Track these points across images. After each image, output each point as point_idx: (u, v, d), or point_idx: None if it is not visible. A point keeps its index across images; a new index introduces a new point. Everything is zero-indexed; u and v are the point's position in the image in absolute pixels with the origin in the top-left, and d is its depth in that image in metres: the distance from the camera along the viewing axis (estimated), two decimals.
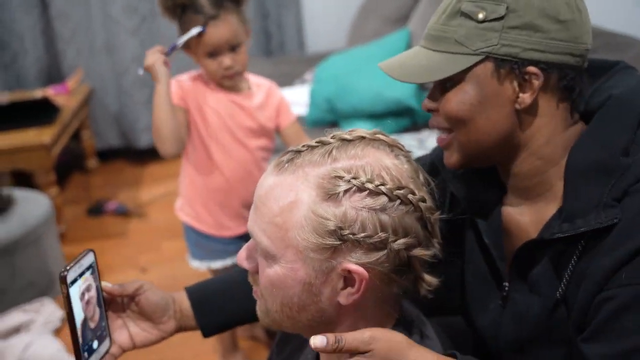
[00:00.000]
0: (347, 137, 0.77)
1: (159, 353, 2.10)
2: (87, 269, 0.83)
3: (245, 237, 1.75)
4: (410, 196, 0.74)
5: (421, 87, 2.50)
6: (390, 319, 0.82)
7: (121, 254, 2.78)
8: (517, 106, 0.82)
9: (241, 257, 0.81)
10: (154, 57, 1.51)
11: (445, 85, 0.84)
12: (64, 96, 3.21)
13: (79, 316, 0.81)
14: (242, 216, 1.71)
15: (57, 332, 2.21)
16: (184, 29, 1.54)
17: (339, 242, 0.72)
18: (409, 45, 2.67)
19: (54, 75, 3.62)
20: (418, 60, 0.86)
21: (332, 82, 2.57)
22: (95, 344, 0.85)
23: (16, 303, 2.25)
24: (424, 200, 0.76)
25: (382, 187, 0.72)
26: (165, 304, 0.95)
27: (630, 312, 0.74)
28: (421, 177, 0.78)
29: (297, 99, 2.81)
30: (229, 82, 1.61)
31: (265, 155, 1.71)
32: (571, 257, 0.82)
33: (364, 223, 0.72)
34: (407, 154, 0.79)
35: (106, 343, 0.88)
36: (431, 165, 1.00)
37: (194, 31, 1.49)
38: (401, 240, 0.73)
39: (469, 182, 0.94)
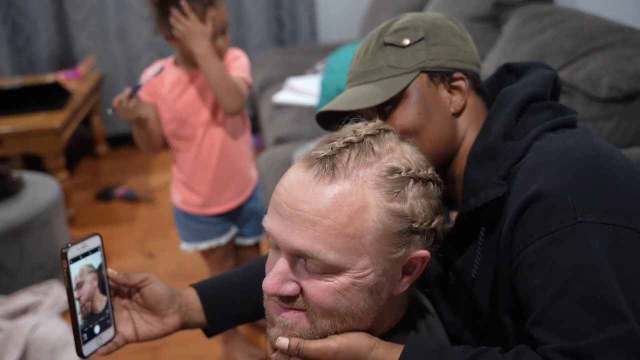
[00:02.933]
0: (369, 132, 0.78)
1: (165, 339, 2.11)
2: (93, 251, 0.83)
3: (230, 216, 1.79)
4: (438, 178, 0.80)
5: None
6: (408, 298, 0.86)
7: (129, 239, 2.79)
8: (453, 109, 0.93)
9: (275, 285, 0.74)
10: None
11: (384, 109, 0.90)
12: (76, 81, 3.22)
13: (77, 294, 0.80)
14: (224, 192, 1.75)
15: (64, 315, 2.23)
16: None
17: (410, 237, 0.75)
18: None
19: (65, 60, 3.63)
20: (359, 93, 0.91)
21: (344, 73, 2.55)
22: (97, 329, 0.85)
23: (25, 285, 2.27)
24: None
25: (429, 174, 0.78)
26: (170, 297, 0.94)
27: (538, 267, 0.79)
28: None
29: (308, 89, 2.80)
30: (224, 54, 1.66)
31: (239, 125, 1.74)
32: (477, 239, 0.90)
33: (425, 211, 0.77)
34: (411, 142, 0.84)
35: (110, 331, 0.88)
36: None
37: (154, 71, 1.53)
38: (441, 218, 0.79)
39: None
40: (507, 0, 2.25)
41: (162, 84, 1.67)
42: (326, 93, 2.59)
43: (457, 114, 0.94)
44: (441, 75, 0.92)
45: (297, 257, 0.74)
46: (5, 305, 2.16)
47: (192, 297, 0.99)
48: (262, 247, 2.01)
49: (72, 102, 2.97)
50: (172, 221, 2.85)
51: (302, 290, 0.75)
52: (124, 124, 3.73)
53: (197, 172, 1.71)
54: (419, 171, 0.76)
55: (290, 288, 0.75)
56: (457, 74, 0.93)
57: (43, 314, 2.13)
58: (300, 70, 3.09)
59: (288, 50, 3.55)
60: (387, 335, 0.81)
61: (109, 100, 3.68)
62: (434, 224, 0.77)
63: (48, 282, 2.30)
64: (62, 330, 2.05)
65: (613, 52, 1.60)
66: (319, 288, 0.73)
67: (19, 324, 2.03)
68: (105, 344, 0.87)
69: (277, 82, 3.01)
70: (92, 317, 0.83)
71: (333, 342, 0.75)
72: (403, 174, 0.74)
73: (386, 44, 0.92)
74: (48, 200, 2.37)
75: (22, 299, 2.18)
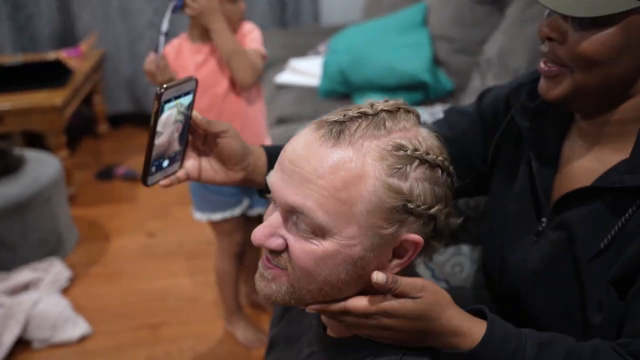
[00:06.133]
0: (388, 108, 0.76)
1: (165, 317, 2.13)
2: (186, 93, 0.85)
3: (244, 189, 1.79)
4: (451, 168, 0.78)
5: (436, 62, 2.47)
6: None
7: (129, 219, 2.80)
8: None
9: (262, 236, 0.75)
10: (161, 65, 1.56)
11: (584, 22, 0.79)
12: (77, 59, 3.21)
13: (160, 133, 0.84)
14: None
15: (64, 291, 2.25)
16: None
17: (404, 216, 0.73)
18: (425, 20, 2.63)
19: (67, 38, 3.60)
20: None
21: (346, 54, 2.55)
22: (165, 163, 0.89)
23: (26, 261, 2.29)
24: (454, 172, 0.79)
25: (437, 160, 0.75)
26: (243, 155, 0.94)
27: None
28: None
29: (310, 70, 2.79)
30: (238, 27, 1.70)
31: (254, 94, 1.76)
32: (624, 211, 0.81)
33: (425, 195, 0.74)
34: (433, 129, 0.81)
35: (176, 165, 0.92)
36: (506, 99, 1.02)
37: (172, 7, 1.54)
38: (446, 210, 0.76)
39: (537, 117, 0.95)
40: None
41: (183, 58, 1.68)
42: (328, 74, 2.59)
43: None
44: None
45: (290, 214, 0.74)
46: (5, 281, 2.17)
47: (261, 160, 0.99)
48: None
49: (73, 80, 2.96)
50: (172, 201, 2.87)
51: (287, 248, 0.75)
52: (125, 103, 3.72)
53: None
54: (429, 154, 0.74)
55: (276, 242, 0.75)
56: None
57: (43, 290, 2.14)
58: (303, 51, 3.08)
59: (290, 32, 3.54)
60: None
61: (111, 80, 3.68)
62: (433, 210, 0.75)
63: (49, 259, 2.32)
64: (62, 307, 2.06)
65: None
66: (304, 249, 0.73)
67: (20, 300, 2.05)
68: (169, 175, 0.91)
69: (279, 63, 3.00)
70: (166, 153, 0.88)
71: (420, 280, 0.75)
72: (409, 152, 0.73)
73: None
74: (49, 178, 2.37)
75: (23, 275, 2.20)
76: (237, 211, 1.82)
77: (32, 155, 2.50)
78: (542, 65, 0.87)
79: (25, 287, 2.18)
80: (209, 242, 2.38)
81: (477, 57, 2.28)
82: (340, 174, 0.71)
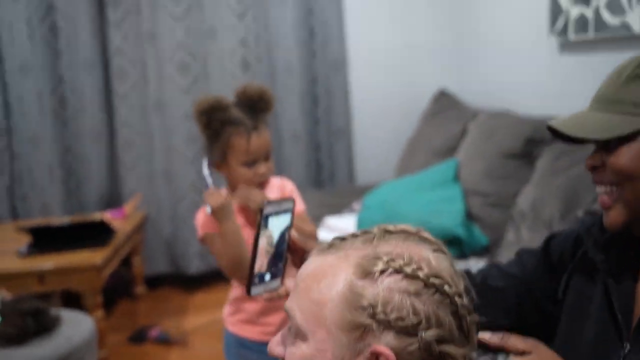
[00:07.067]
0: (391, 229, 0.78)
1: None
2: (285, 211, 0.97)
3: None
4: (446, 287, 0.72)
5: (469, 216, 2.47)
6: None
7: None
8: None
9: (272, 344, 0.80)
10: (221, 198, 1.56)
11: (609, 145, 0.90)
12: (120, 220, 3.32)
13: (262, 245, 0.94)
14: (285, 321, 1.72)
15: None
16: (223, 142, 1.61)
17: (370, 321, 0.70)
18: (457, 175, 2.68)
19: (114, 199, 3.77)
20: (592, 121, 0.92)
21: (380, 210, 2.58)
22: (267, 277, 0.98)
23: None
24: (460, 296, 0.74)
25: (418, 272, 0.72)
26: None
27: None
28: (458, 277, 0.76)
29: (345, 227, 2.81)
30: (260, 188, 1.66)
31: None
32: None
33: (397, 305, 0.70)
34: (447, 255, 0.78)
35: (277, 281, 1.00)
36: (576, 238, 1.07)
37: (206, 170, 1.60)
38: (433, 331, 0.70)
39: (610, 249, 0.99)
40: (539, 136, 2.29)
41: None
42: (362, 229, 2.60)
43: None
44: None
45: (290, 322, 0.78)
46: None
47: None
48: None
49: (115, 240, 3.04)
50: None
51: None
52: (163, 264, 3.77)
53: (270, 308, 1.68)
54: (408, 266, 0.71)
55: (278, 350, 0.79)
56: None
57: None
58: (338, 209, 3.13)
59: (326, 192, 3.63)
60: None
61: (151, 240, 3.77)
62: (405, 323, 0.69)
63: None
64: None
65: None
66: (289, 353, 0.75)
67: None
68: (270, 291, 1.00)
69: (314, 222, 3.04)
70: (267, 267, 0.97)
71: (531, 339, 0.78)
72: (384, 259, 0.72)
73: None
74: (82, 339, 2.34)
75: None
76: None
77: (68, 315, 2.49)
78: (600, 198, 0.95)
79: None
80: None
81: (510, 210, 2.27)
82: (317, 277, 0.74)
